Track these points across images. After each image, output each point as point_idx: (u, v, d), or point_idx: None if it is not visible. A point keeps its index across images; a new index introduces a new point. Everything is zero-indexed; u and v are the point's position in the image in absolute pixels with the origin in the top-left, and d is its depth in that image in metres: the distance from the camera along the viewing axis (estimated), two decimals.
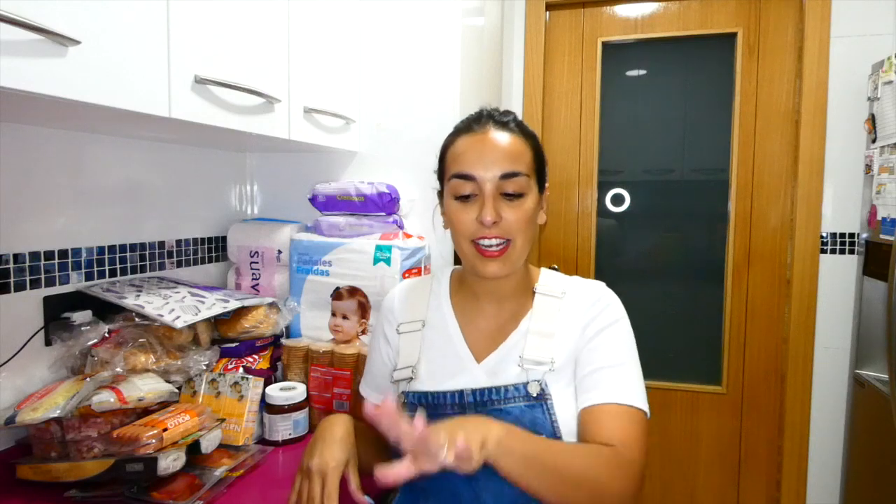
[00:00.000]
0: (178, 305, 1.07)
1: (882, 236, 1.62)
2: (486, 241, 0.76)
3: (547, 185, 0.85)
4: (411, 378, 0.84)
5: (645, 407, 0.77)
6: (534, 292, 0.85)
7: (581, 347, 0.79)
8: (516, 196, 0.77)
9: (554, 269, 0.92)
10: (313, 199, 1.38)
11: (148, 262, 1.24)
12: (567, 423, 0.76)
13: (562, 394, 0.77)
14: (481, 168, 0.76)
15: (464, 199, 0.78)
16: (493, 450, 0.63)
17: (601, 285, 0.86)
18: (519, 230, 0.77)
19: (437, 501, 0.79)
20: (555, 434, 0.75)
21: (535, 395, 0.76)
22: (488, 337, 0.84)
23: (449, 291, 0.90)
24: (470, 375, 0.81)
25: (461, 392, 0.79)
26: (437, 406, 0.80)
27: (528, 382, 0.77)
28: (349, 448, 0.79)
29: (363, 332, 1.27)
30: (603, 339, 0.79)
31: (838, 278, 1.87)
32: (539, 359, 0.78)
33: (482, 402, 0.78)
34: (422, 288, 0.93)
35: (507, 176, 0.76)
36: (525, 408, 0.76)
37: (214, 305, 1.12)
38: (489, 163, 0.76)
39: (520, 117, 0.84)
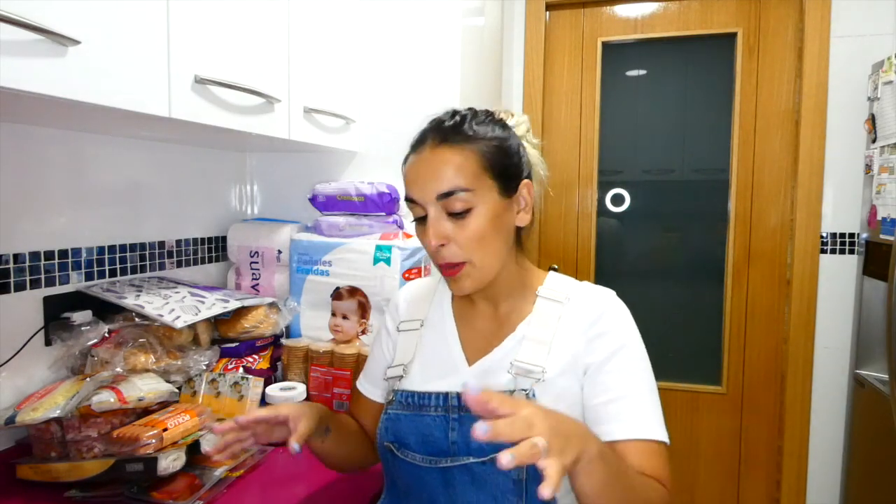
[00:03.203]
0: (178, 305, 1.07)
1: (882, 236, 1.62)
2: (444, 265, 0.76)
3: (528, 181, 0.79)
4: (402, 376, 0.83)
5: (665, 437, 0.73)
6: (536, 295, 0.81)
7: (588, 368, 0.75)
8: (462, 214, 0.74)
9: (554, 269, 0.90)
10: (313, 199, 1.38)
11: (148, 262, 1.24)
12: None
13: (550, 406, 0.71)
14: (419, 191, 0.75)
15: (420, 222, 0.77)
16: (584, 467, 0.57)
17: (609, 295, 0.81)
18: (473, 248, 0.74)
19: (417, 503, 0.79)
20: None
21: None
22: (483, 339, 0.82)
23: (451, 292, 0.88)
24: (458, 378, 0.79)
25: (446, 395, 0.77)
26: (423, 407, 0.78)
27: (514, 391, 0.74)
28: (308, 409, 0.76)
29: (363, 332, 1.27)
30: (616, 364, 0.75)
31: (838, 278, 1.87)
32: (530, 367, 0.75)
33: (466, 407, 0.72)
34: (428, 288, 0.92)
35: (442, 196, 0.73)
36: None
37: (214, 305, 1.12)
38: (424, 184, 0.74)
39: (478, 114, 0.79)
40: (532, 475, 0.72)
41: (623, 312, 0.79)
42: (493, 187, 0.75)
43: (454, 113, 0.79)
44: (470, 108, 0.81)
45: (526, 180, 0.79)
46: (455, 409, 0.77)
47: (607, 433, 0.72)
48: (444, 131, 0.76)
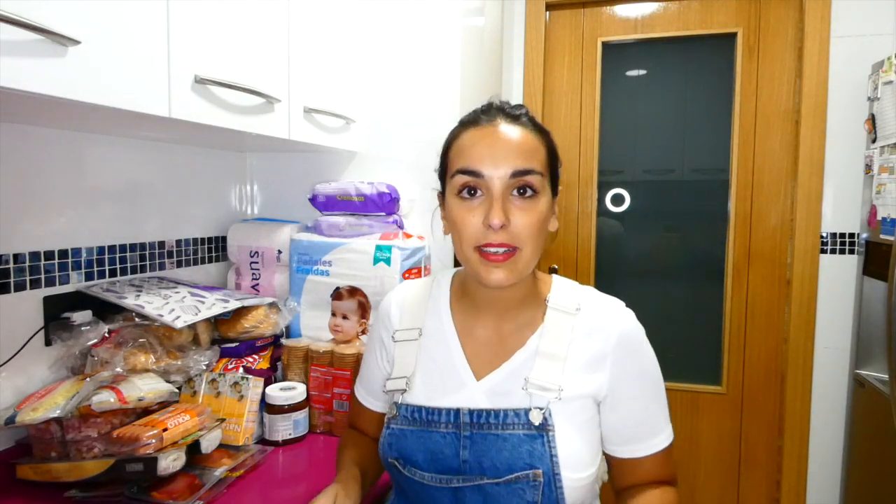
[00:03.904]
0: (178, 305, 1.07)
1: (882, 236, 1.62)
2: (492, 249, 0.69)
3: (560, 188, 0.79)
4: (405, 390, 0.79)
5: (673, 436, 0.78)
6: (545, 305, 0.78)
7: (611, 391, 0.75)
8: (529, 196, 0.70)
9: (554, 269, 0.89)
10: (313, 199, 1.38)
11: (148, 262, 1.24)
12: (567, 459, 0.70)
13: (566, 426, 0.71)
14: (490, 164, 0.69)
15: (468, 196, 0.71)
16: None
17: (620, 308, 0.79)
18: (529, 237, 0.69)
19: None
20: (552, 469, 0.70)
21: (536, 424, 0.71)
22: (490, 351, 0.78)
23: (449, 297, 0.83)
24: (468, 394, 0.75)
25: (457, 411, 0.74)
26: (431, 423, 0.75)
27: (530, 409, 0.71)
28: (350, 491, 0.75)
29: (363, 332, 1.27)
30: (640, 389, 0.76)
31: (838, 278, 1.87)
32: (546, 384, 0.72)
33: (479, 425, 0.73)
34: (421, 292, 0.86)
35: (518, 174, 0.69)
36: (524, 437, 0.71)
37: (214, 305, 1.12)
38: (499, 158, 0.69)
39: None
40: (548, 498, 0.70)
41: (639, 329, 0.78)
42: (548, 184, 0.74)
43: (511, 104, 0.77)
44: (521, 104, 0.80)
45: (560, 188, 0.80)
46: (467, 427, 0.73)
47: (630, 451, 0.76)
48: (514, 115, 0.74)
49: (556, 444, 0.70)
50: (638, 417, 0.76)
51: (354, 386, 0.94)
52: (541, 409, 0.71)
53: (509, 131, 0.72)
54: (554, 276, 0.84)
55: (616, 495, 0.80)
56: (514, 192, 0.70)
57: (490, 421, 0.72)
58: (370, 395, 0.90)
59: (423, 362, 0.80)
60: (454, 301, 0.83)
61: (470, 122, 0.75)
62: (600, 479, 0.98)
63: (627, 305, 0.80)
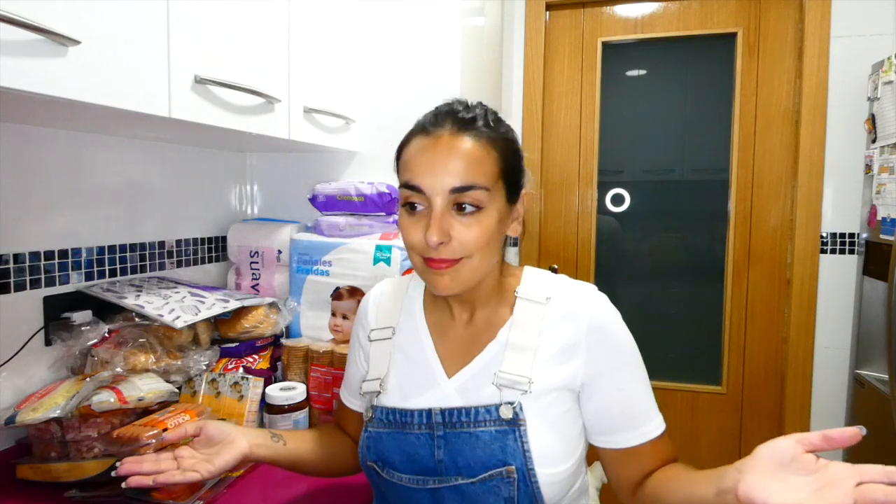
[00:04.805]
0: (178, 305, 1.07)
1: (882, 236, 1.62)
2: (435, 262, 0.69)
3: (525, 191, 0.76)
4: (379, 392, 0.78)
5: (664, 424, 0.75)
6: (515, 297, 0.76)
7: (588, 378, 0.73)
8: (471, 213, 0.68)
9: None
10: (313, 199, 1.38)
11: (148, 262, 1.24)
12: (540, 454, 0.69)
13: (538, 420, 0.70)
14: (429, 179, 0.67)
15: (411, 211, 0.70)
16: None
17: (591, 293, 0.76)
18: (475, 248, 0.68)
19: None
20: (525, 465, 0.68)
21: (507, 419, 0.69)
22: (462, 348, 0.76)
23: (423, 296, 0.83)
24: (440, 392, 0.74)
25: (429, 411, 0.73)
26: (405, 424, 0.74)
27: (500, 405, 0.70)
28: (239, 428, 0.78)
29: None
30: (620, 373, 0.73)
31: (838, 278, 1.87)
32: (515, 377, 0.71)
33: (451, 423, 0.72)
34: (397, 291, 0.86)
35: (458, 189, 0.67)
36: (496, 433, 0.69)
37: (214, 305, 1.12)
38: (439, 174, 0.67)
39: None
40: (524, 493, 0.69)
41: (612, 312, 0.75)
42: (503, 191, 0.71)
43: (468, 105, 0.73)
44: (480, 102, 0.75)
45: (524, 191, 0.76)
46: (440, 426, 0.72)
47: (622, 441, 0.73)
48: (464, 120, 0.70)
49: (528, 439, 0.69)
50: (622, 403, 0.73)
51: (340, 390, 0.93)
52: (511, 403, 0.70)
53: (453, 143, 0.68)
54: (525, 267, 0.82)
55: (628, 493, 0.75)
56: (457, 208, 0.68)
57: (462, 419, 0.72)
58: (351, 396, 0.89)
59: (396, 362, 0.80)
60: (428, 299, 0.82)
61: (420, 129, 0.73)
62: (599, 481, 0.97)
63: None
